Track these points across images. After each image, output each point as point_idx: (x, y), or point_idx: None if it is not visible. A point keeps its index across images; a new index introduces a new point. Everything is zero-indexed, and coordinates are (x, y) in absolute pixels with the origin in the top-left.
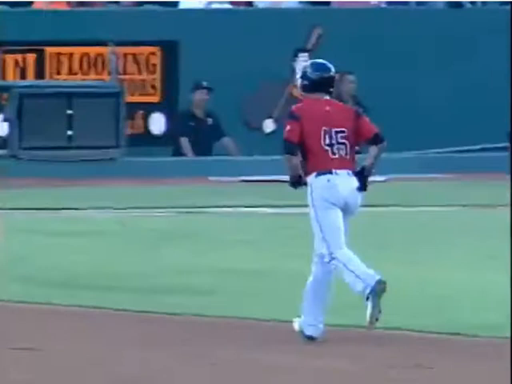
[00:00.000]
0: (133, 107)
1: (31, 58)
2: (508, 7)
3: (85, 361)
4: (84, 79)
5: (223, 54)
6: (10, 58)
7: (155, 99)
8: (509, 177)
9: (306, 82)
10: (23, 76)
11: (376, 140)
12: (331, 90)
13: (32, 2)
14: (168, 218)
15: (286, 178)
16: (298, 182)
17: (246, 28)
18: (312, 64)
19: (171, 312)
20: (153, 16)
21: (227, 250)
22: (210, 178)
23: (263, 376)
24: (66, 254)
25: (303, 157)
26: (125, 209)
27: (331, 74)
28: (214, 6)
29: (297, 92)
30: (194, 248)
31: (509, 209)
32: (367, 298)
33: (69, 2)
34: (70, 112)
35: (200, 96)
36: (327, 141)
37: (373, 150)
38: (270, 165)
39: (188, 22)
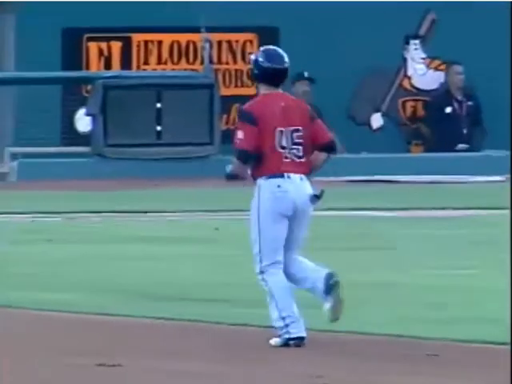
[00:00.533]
0: (228, 100)
1: (117, 46)
2: None
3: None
4: (174, 69)
5: (327, 41)
6: (93, 46)
7: (252, 91)
8: None
9: (256, 71)
10: (108, 66)
11: (330, 148)
12: (282, 83)
13: None
14: None
15: (395, 177)
16: (236, 177)
17: (353, 13)
18: (264, 52)
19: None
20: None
21: (334, 257)
22: (315, 179)
23: None
24: (152, 261)
25: (255, 159)
26: (219, 211)
27: (285, 65)
28: None
29: (407, 83)
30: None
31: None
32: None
33: None
34: (158, 105)
35: (301, 88)
36: (283, 142)
37: (322, 155)
38: (378, 163)
39: (289, 6)
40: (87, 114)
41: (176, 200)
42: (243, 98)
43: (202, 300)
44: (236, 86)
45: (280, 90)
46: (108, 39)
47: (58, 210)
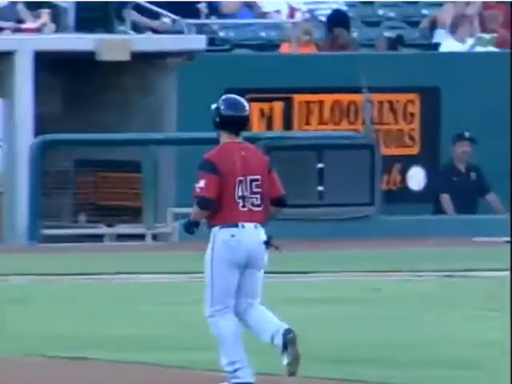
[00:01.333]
0: (389, 160)
1: (278, 106)
2: None
3: None
4: (335, 129)
5: (488, 101)
6: (255, 107)
7: (414, 151)
8: None
9: (217, 120)
10: (270, 126)
11: (280, 203)
12: (242, 131)
13: (278, 46)
14: (428, 282)
15: None
16: (195, 225)
17: None
18: (225, 100)
19: None
20: (411, 60)
21: (495, 319)
22: (474, 239)
23: None
24: (315, 323)
25: (215, 207)
26: (380, 272)
27: (244, 113)
28: (478, 48)
29: None
30: (457, 316)
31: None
32: None
33: (318, 44)
34: (320, 166)
35: (461, 148)
36: (240, 192)
37: (272, 209)
38: None
39: (450, 66)
40: None
41: (338, 261)
42: (405, 158)
43: (368, 361)
44: (397, 146)
45: (240, 139)
46: (270, 100)
47: None
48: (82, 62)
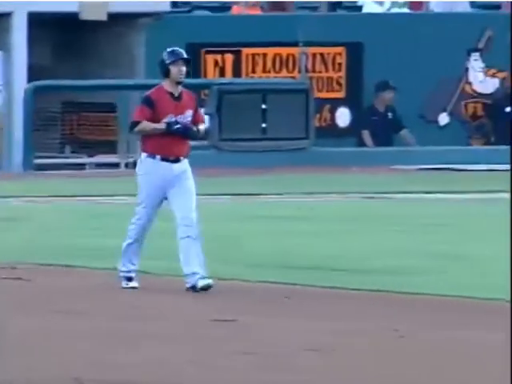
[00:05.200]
0: (320, 102)
1: (229, 58)
2: None
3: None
4: (276, 77)
5: (402, 54)
6: (210, 58)
7: (341, 95)
8: None
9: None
10: (222, 74)
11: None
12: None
13: (230, 8)
14: (353, 203)
15: (459, 166)
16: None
17: (423, 30)
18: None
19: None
20: (339, 20)
21: (420, 233)
22: (391, 167)
23: None
24: (265, 236)
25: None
26: (313, 194)
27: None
28: (394, 10)
29: (469, 88)
30: (382, 231)
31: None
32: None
33: (262, 7)
34: (264, 106)
35: (388, 94)
36: None
37: None
38: (444, 154)
39: (371, 25)
40: (205, 114)
41: (278, 185)
42: (333, 100)
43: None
44: (327, 90)
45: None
46: (222, 52)
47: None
48: (69, 21)
